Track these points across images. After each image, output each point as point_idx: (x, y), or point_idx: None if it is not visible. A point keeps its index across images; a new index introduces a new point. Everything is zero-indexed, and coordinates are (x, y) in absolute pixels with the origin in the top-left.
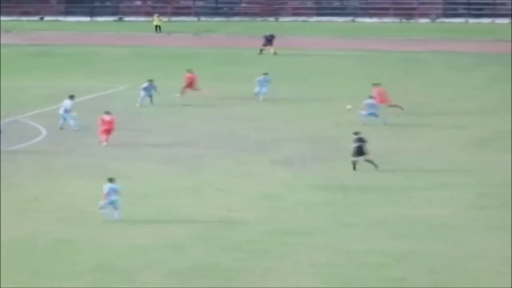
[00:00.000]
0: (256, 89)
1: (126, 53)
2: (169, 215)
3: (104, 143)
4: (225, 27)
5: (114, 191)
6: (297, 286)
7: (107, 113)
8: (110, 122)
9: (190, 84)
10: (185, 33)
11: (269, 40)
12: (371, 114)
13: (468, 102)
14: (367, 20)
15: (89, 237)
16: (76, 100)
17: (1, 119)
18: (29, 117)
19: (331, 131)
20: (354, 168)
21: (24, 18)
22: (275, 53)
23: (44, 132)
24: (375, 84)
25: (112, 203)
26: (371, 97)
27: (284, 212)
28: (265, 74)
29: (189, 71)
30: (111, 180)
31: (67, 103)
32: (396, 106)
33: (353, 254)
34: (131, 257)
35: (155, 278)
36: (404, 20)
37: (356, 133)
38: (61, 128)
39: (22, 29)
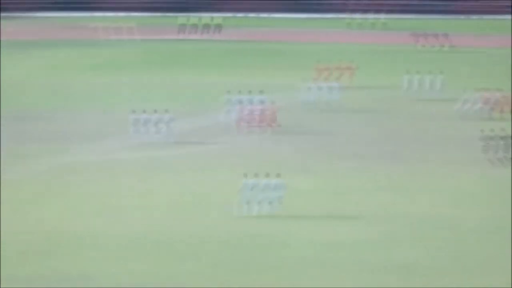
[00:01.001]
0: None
1: None
2: (378, 211)
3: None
4: None
5: (262, 186)
6: None
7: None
8: (261, 115)
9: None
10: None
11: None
12: None
13: None
14: None
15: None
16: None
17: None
18: None
19: None
20: None
21: (239, 14)
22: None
23: None
24: None
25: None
26: None
27: None
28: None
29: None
30: (257, 175)
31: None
32: None
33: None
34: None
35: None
36: None
37: None
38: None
39: (236, 25)
